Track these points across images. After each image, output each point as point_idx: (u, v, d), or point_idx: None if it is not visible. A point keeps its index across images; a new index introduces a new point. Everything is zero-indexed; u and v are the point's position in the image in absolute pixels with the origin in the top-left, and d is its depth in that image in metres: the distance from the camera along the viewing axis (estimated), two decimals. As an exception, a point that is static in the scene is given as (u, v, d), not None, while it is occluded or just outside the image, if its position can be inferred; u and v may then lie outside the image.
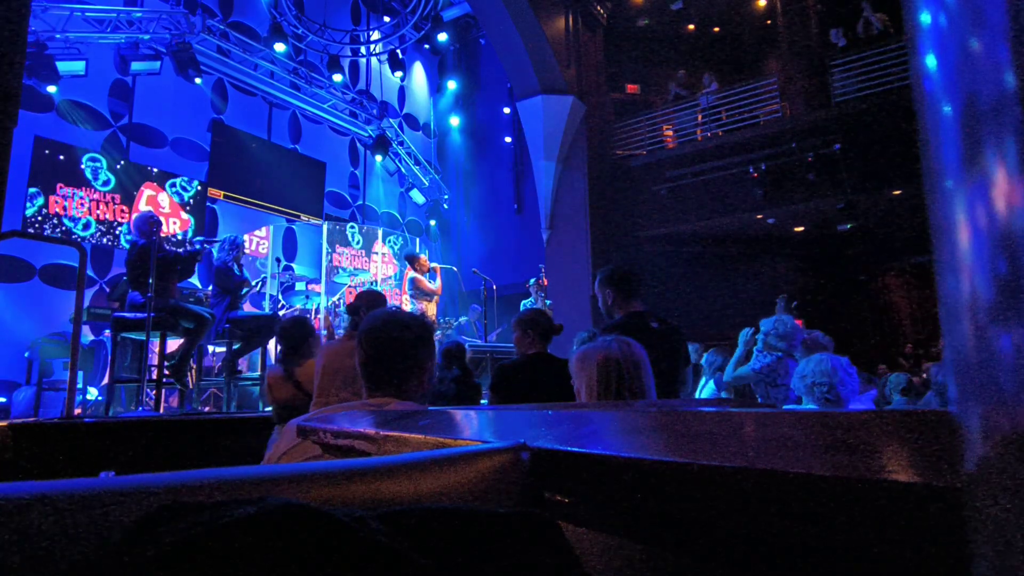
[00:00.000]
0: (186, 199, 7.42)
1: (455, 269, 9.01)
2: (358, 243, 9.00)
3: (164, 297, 3.92)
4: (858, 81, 7.98)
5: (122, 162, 6.86)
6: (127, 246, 6.73)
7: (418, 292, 6.38)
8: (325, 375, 2.54)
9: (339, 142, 9.94)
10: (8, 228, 4.52)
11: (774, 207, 8.48)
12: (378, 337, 1.45)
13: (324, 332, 6.61)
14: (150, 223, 3.99)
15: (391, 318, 1.48)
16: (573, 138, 9.28)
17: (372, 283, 8.12)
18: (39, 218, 6.19)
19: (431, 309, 6.52)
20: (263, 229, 8.43)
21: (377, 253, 9.24)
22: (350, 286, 7.90)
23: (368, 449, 0.74)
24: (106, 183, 6.67)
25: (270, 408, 3.24)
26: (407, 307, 6.39)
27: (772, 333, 3.27)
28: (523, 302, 7.81)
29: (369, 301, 2.83)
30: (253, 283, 5.39)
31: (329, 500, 0.37)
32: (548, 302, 7.71)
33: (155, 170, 7.17)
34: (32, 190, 6.15)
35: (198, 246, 4.59)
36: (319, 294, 7.50)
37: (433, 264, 6.75)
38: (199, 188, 7.55)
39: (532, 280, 7.78)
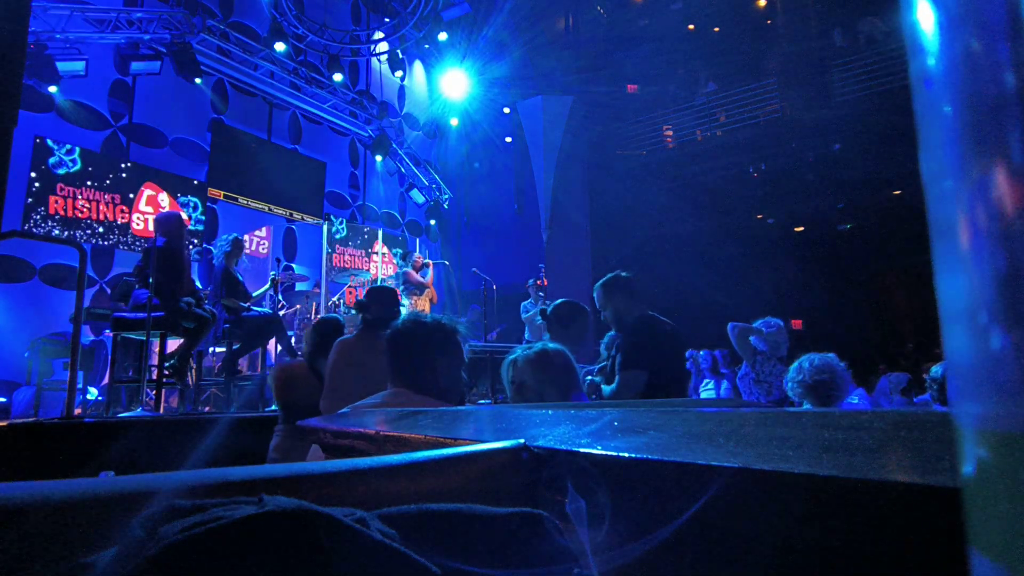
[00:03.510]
0: (195, 214, 7.43)
1: (447, 263, 9.02)
2: (342, 236, 8.99)
3: (175, 298, 3.91)
4: (858, 81, 7.98)
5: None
6: (130, 246, 6.75)
7: (408, 286, 6.46)
8: (337, 371, 2.54)
9: (339, 142, 9.94)
10: (8, 227, 4.51)
11: (774, 207, 8.48)
12: (394, 336, 1.60)
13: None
14: (175, 223, 4.01)
15: (414, 319, 1.63)
16: (573, 138, 9.28)
17: (372, 283, 8.11)
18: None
19: (421, 303, 6.57)
20: (263, 229, 8.43)
21: (377, 253, 9.23)
22: (350, 286, 7.90)
23: (368, 449, 0.74)
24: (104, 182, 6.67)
25: (274, 407, 3.17)
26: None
27: (760, 334, 3.33)
28: (523, 303, 7.81)
29: (378, 297, 2.80)
30: (259, 291, 5.42)
31: (329, 500, 0.37)
32: (548, 303, 7.69)
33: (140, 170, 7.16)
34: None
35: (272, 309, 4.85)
36: (319, 294, 7.50)
37: (426, 260, 6.80)
38: (200, 189, 7.56)
39: (531, 281, 7.78)
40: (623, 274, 2.81)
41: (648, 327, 2.59)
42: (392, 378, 1.60)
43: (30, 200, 6.11)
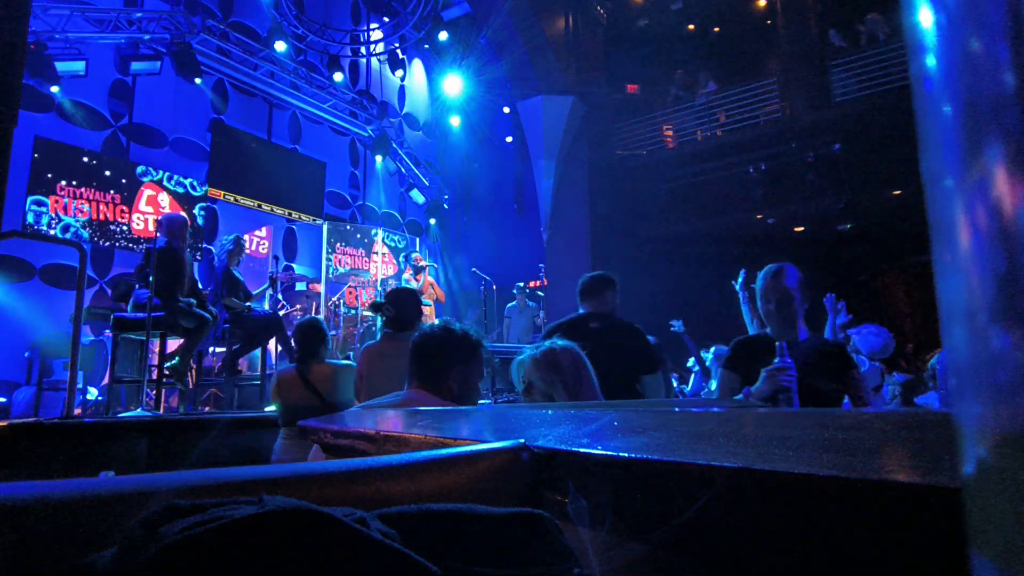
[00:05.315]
0: (196, 208, 7.42)
1: (436, 265, 9.10)
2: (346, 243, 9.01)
3: (175, 298, 3.91)
4: (858, 81, 7.97)
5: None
6: (131, 246, 6.74)
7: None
8: (367, 375, 2.59)
9: (339, 142, 9.94)
10: (8, 228, 4.51)
11: (774, 207, 8.48)
12: (422, 339, 1.65)
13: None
14: (179, 225, 4.02)
15: (443, 325, 1.68)
16: (573, 138, 9.27)
17: (372, 283, 8.11)
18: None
19: (426, 309, 6.57)
20: (263, 229, 8.43)
21: (377, 253, 9.24)
22: (351, 286, 7.89)
23: (368, 449, 0.74)
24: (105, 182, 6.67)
25: (273, 407, 3.23)
26: None
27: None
28: (507, 305, 7.78)
29: (397, 299, 2.82)
30: (259, 291, 5.42)
31: (329, 500, 0.37)
32: (531, 303, 7.67)
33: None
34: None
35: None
36: (319, 294, 7.50)
37: (429, 279, 6.78)
38: (204, 190, 7.56)
39: (518, 285, 7.71)
40: (583, 276, 2.87)
41: (566, 329, 2.58)
42: (411, 379, 1.62)
43: (30, 199, 6.11)
